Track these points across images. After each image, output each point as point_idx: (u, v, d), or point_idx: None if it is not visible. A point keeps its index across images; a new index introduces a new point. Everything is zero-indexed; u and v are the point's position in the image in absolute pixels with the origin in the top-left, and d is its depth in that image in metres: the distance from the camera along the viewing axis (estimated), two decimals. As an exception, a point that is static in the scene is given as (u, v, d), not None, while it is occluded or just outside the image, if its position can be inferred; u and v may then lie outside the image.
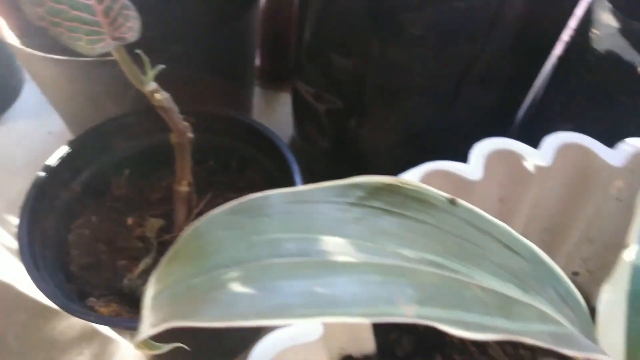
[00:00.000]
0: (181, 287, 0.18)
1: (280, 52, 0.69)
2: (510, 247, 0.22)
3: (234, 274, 0.17)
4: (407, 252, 0.19)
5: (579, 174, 0.34)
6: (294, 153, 0.42)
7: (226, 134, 0.46)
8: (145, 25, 0.34)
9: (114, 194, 0.43)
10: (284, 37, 0.67)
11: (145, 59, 0.33)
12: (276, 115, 0.69)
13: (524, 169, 0.32)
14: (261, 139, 0.44)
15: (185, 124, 0.37)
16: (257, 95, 0.72)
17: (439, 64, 0.43)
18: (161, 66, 0.34)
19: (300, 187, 0.21)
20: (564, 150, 0.32)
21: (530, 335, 0.17)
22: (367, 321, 0.15)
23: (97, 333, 0.48)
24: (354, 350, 0.34)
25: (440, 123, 0.47)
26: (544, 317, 0.19)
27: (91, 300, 0.35)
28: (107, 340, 0.48)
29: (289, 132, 0.63)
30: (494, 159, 0.32)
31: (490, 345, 0.36)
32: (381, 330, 0.36)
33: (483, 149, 0.32)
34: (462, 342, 0.36)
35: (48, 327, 0.49)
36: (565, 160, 0.33)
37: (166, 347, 0.22)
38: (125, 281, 0.37)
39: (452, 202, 0.22)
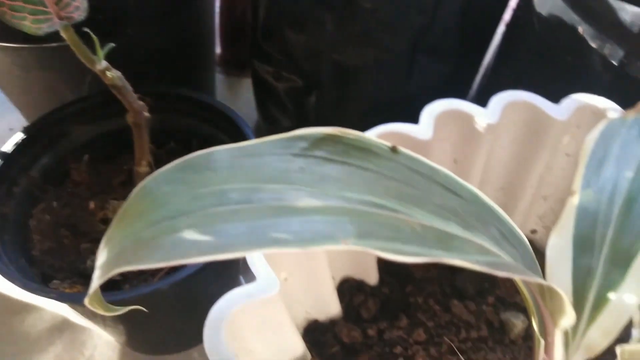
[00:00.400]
0: (129, 240, 0.18)
1: (240, 38, 0.69)
2: (452, 189, 0.23)
3: (179, 223, 0.18)
4: (349, 194, 0.20)
5: (528, 131, 0.35)
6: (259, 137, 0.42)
7: (186, 114, 0.46)
8: (99, 8, 0.34)
9: (75, 180, 0.43)
10: (244, 23, 0.67)
11: (95, 38, 0.33)
12: (240, 100, 0.69)
13: (474, 128, 0.33)
14: (221, 118, 0.44)
15: (141, 103, 0.37)
16: (220, 82, 0.72)
17: (391, 36, 0.44)
18: (111, 45, 0.33)
19: (244, 142, 0.21)
20: (511, 107, 0.33)
21: (467, 261, 0.18)
22: (303, 250, 0.16)
23: (67, 323, 0.48)
24: (320, 315, 0.35)
25: (398, 95, 0.48)
26: (483, 250, 0.20)
27: (55, 283, 0.35)
28: (78, 329, 0.48)
29: (254, 116, 0.63)
30: (444, 119, 0.33)
31: (454, 304, 0.37)
32: (346, 294, 0.37)
33: (432, 109, 0.33)
34: (426, 301, 0.37)
35: (16, 320, 0.48)
36: (512, 117, 0.34)
37: (122, 310, 0.22)
38: (89, 262, 0.37)
39: (393, 150, 0.22)
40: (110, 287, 0.37)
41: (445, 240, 0.19)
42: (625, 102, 0.32)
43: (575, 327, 0.26)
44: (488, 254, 0.20)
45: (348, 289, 0.37)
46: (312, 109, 0.50)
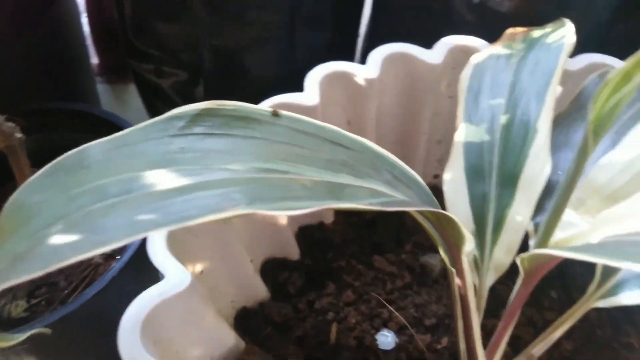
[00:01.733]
0: (6, 258, 0.17)
1: (116, 42, 0.65)
2: (340, 143, 0.23)
3: (56, 228, 0.17)
4: (235, 166, 0.19)
5: (409, 80, 0.36)
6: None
7: (69, 129, 0.43)
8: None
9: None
10: (115, 27, 0.63)
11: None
12: (130, 107, 0.66)
13: (358, 86, 0.34)
14: (108, 126, 0.42)
15: (10, 124, 0.34)
16: (106, 92, 0.68)
17: (266, 12, 0.43)
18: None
19: (117, 133, 0.20)
20: (389, 60, 0.34)
21: (358, 204, 0.18)
22: (188, 224, 0.15)
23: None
24: (247, 301, 0.34)
25: (285, 71, 0.48)
26: (376, 194, 0.21)
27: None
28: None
29: (146, 120, 0.60)
30: (327, 82, 0.33)
31: (376, 259, 0.38)
32: (270, 275, 0.36)
33: (314, 75, 0.33)
34: (349, 263, 0.38)
35: None
36: (392, 69, 0.35)
37: (22, 336, 0.20)
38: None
39: (275, 114, 0.22)
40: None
41: (337, 191, 0.19)
42: (491, 37, 0.34)
43: (481, 252, 0.28)
44: (381, 196, 0.21)
45: (271, 269, 0.36)
46: (202, 100, 0.48)
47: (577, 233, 0.24)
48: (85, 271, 0.37)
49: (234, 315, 0.33)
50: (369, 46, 0.53)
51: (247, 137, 0.21)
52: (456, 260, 0.25)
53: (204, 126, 0.20)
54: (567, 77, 0.35)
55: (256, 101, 0.48)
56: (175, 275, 0.24)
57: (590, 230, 0.23)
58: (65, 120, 0.44)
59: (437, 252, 0.39)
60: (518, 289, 0.25)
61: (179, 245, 0.26)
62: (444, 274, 0.38)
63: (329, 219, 0.40)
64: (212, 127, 0.20)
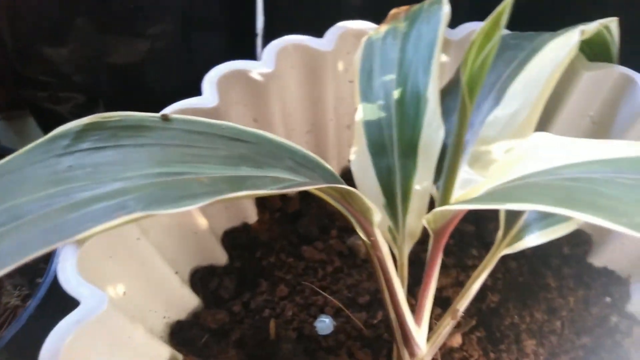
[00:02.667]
0: None
1: (5, 75, 0.62)
2: (238, 138, 0.23)
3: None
4: (129, 174, 0.19)
5: (307, 70, 0.37)
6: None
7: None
8: None
9: None
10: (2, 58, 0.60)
11: None
12: (31, 139, 0.62)
13: (255, 82, 0.34)
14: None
15: None
16: (4, 129, 0.64)
17: (155, 22, 0.43)
18: None
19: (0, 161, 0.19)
20: (283, 53, 0.35)
21: (256, 190, 0.19)
22: (83, 236, 0.15)
23: None
24: (178, 314, 0.34)
25: (186, 80, 0.47)
26: (278, 180, 0.21)
27: None
28: None
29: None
30: (225, 82, 0.33)
31: (304, 250, 0.38)
32: (199, 284, 0.36)
33: (211, 77, 0.33)
34: (278, 258, 0.38)
35: None
36: (288, 62, 0.35)
37: None
38: None
39: (165, 118, 0.22)
40: None
41: (237, 183, 0.20)
42: (378, 19, 0.35)
43: (395, 222, 0.29)
44: (283, 182, 0.21)
45: (200, 278, 0.36)
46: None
47: (474, 188, 0.26)
48: (3, 316, 0.35)
49: (168, 331, 0.33)
50: (268, 43, 0.53)
51: (138, 145, 0.20)
52: (369, 233, 0.26)
53: (90, 141, 0.20)
54: (451, 47, 0.37)
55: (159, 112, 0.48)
56: (91, 299, 0.23)
57: (484, 184, 0.25)
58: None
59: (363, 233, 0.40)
60: (430, 249, 0.26)
61: (94, 270, 0.25)
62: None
63: (253, 219, 0.40)
64: (100, 141, 0.20)
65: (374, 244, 0.26)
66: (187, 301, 0.34)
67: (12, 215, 0.17)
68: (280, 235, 0.39)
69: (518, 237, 0.29)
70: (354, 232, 0.40)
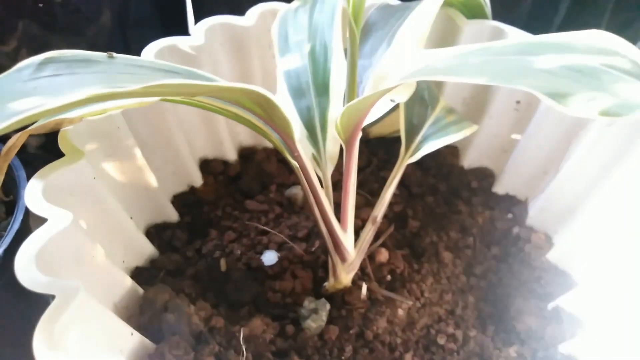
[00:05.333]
0: None
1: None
2: (172, 71, 0.28)
3: None
4: (82, 90, 0.24)
5: (234, 46, 0.42)
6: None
7: None
8: None
9: None
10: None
11: None
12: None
13: (187, 54, 0.39)
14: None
15: None
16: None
17: (92, 23, 0.47)
18: None
19: None
20: (210, 30, 0.40)
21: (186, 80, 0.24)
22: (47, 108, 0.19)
23: None
24: (136, 260, 0.37)
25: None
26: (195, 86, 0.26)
27: None
28: None
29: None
30: (160, 56, 0.38)
31: (248, 203, 0.43)
32: (154, 236, 0.40)
33: (147, 52, 0.38)
34: (224, 211, 0.43)
35: None
36: (216, 37, 0.41)
37: None
38: None
39: (110, 56, 0.27)
40: None
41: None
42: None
43: (317, 149, 0.34)
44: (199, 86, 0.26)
45: (155, 231, 0.40)
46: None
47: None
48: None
49: (128, 274, 0.36)
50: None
51: (90, 73, 0.25)
52: (293, 149, 0.31)
53: (50, 69, 0.24)
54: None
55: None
56: (56, 217, 0.27)
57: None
58: None
59: (297, 184, 0.45)
60: (345, 159, 0.32)
61: (58, 205, 0.29)
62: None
63: (198, 183, 0.44)
64: (59, 69, 0.25)
65: (297, 159, 0.31)
66: (144, 248, 0.37)
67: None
68: (225, 193, 0.44)
69: (417, 149, 0.35)
70: (291, 185, 0.46)
